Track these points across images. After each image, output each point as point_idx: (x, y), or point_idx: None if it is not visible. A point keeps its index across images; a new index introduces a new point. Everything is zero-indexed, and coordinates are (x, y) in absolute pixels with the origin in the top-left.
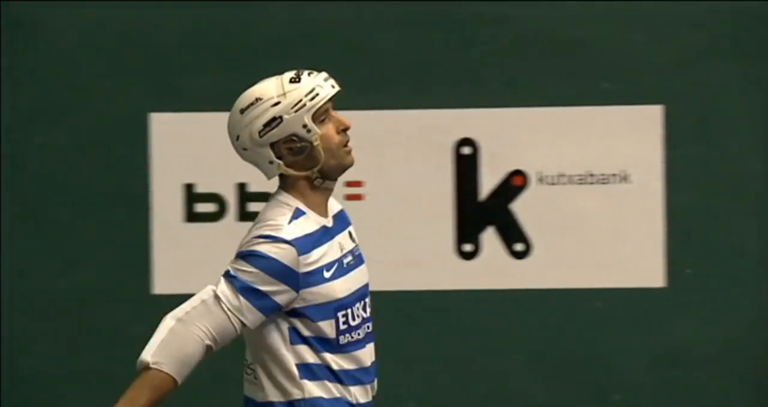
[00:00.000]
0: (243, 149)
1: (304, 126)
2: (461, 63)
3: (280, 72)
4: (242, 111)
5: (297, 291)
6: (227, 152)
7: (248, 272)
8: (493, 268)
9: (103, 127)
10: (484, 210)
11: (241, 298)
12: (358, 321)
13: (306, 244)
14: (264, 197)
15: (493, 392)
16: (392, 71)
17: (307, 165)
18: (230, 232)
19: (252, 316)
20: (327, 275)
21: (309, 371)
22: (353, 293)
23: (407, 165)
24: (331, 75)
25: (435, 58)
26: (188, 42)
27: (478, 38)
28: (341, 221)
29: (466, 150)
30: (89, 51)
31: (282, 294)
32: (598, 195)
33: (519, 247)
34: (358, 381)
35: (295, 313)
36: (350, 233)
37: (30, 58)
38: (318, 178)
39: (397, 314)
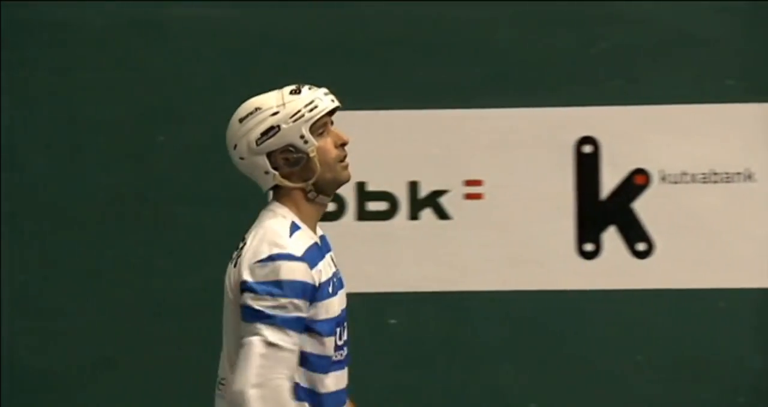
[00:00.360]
0: (240, 158)
1: (302, 137)
2: (583, 61)
3: (397, 70)
4: (241, 120)
5: (311, 304)
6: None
7: (281, 307)
8: (614, 268)
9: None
10: (606, 209)
11: (290, 331)
12: (341, 341)
13: (311, 257)
14: (384, 196)
15: (614, 392)
16: (513, 69)
17: (302, 177)
18: (349, 231)
19: (301, 340)
20: (329, 290)
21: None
22: (340, 314)
23: (528, 164)
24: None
25: (557, 56)
26: (309, 39)
27: (599, 36)
28: (325, 245)
29: (588, 149)
30: (218, 50)
31: (307, 311)
32: (721, 194)
33: (641, 247)
34: (340, 402)
35: (306, 329)
36: (332, 257)
37: (156, 58)
38: (312, 191)
39: (518, 314)
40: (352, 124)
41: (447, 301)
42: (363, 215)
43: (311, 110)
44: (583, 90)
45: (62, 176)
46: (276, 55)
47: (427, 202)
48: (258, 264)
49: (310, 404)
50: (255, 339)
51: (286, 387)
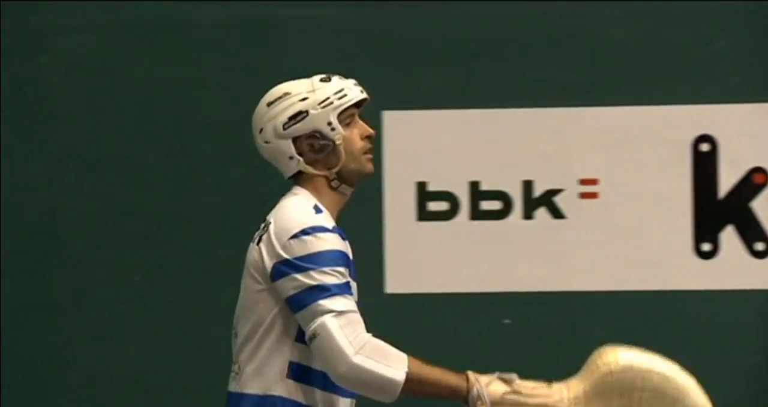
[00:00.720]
0: (265, 142)
1: (329, 123)
2: (699, 58)
3: (512, 68)
4: (269, 104)
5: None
6: (460, 150)
7: (329, 275)
8: (732, 268)
9: None
10: (723, 208)
11: (348, 296)
12: None
13: (340, 233)
14: (498, 195)
15: (732, 392)
16: (630, 67)
17: (326, 165)
18: (462, 231)
19: (354, 301)
20: (353, 273)
21: (301, 372)
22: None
23: (644, 163)
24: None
25: (674, 53)
26: (420, 39)
27: (716, 33)
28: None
29: (705, 147)
30: (322, 48)
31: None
32: None
33: (759, 246)
34: (352, 395)
35: None
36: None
37: (261, 55)
38: (335, 179)
39: (633, 315)
40: (468, 123)
41: (561, 301)
42: (476, 214)
43: (340, 98)
44: (700, 88)
45: (174, 176)
46: (386, 54)
47: (541, 201)
48: (293, 240)
49: (318, 387)
50: (325, 319)
51: (376, 339)
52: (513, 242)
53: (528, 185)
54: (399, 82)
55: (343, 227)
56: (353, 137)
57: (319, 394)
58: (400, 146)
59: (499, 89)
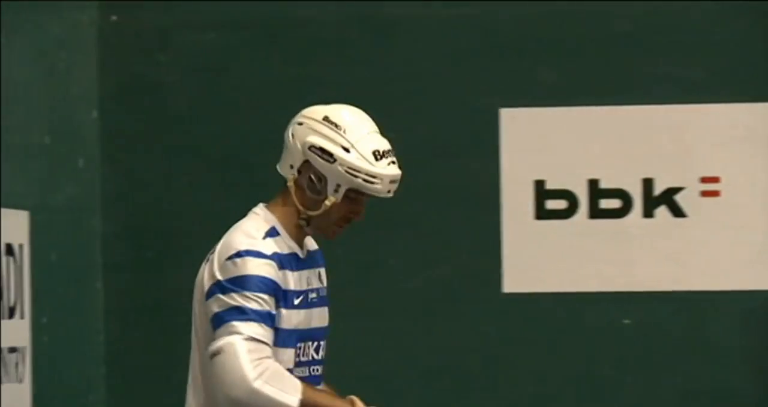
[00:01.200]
0: (290, 137)
1: (338, 185)
2: None
3: (631, 65)
4: (325, 119)
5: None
6: (578, 148)
7: (251, 301)
8: None
9: (453, 123)
10: None
11: (265, 326)
12: (306, 358)
13: (279, 261)
14: (618, 193)
15: None
16: (751, 63)
17: (305, 204)
18: (581, 230)
19: (271, 334)
20: (296, 302)
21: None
22: (310, 330)
23: (767, 160)
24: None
25: None
26: (538, 36)
27: None
28: (314, 259)
29: None
30: (438, 46)
31: (275, 309)
32: None
33: None
34: None
35: None
36: (320, 274)
37: (378, 53)
38: (303, 219)
39: (756, 315)
40: (587, 120)
41: (682, 301)
42: (595, 213)
43: (366, 181)
44: None
45: None
46: (504, 51)
47: (661, 199)
48: (228, 262)
49: None
50: (234, 339)
51: (276, 364)
52: (633, 241)
53: (648, 183)
54: (517, 79)
55: (318, 250)
56: (341, 209)
57: None
58: (518, 144)
59: (619, 86)
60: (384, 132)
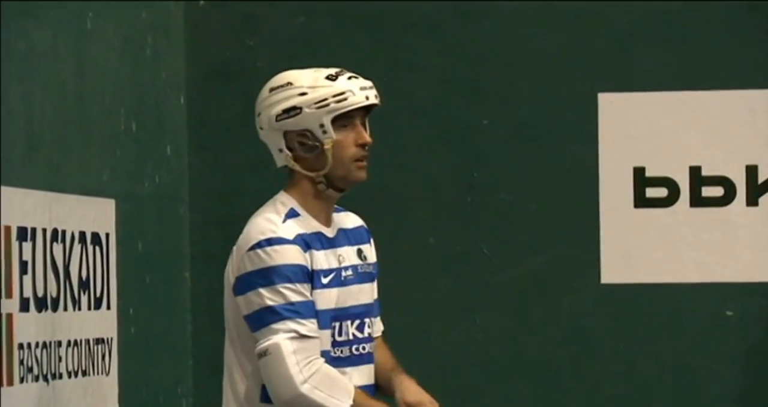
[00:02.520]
0: (260, 128)
1: (321, 125)
2: None
3: (733, 48)
4: (271, 90)
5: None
6: (679, 134)
7: (282, 295)
8: None
9: (550, 107)
10: None
11: (302, 320)
12: (345, 338)
13: (303, 243)
14: (720, 180)
15: None
16: None
17: (314, 166)
18: (682, 219)
19: (314, 324)
20: (324, 281)
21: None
22: (346, 308)
23: None
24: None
25: None
26: (636, 18)
27: None
28: (353, 236)
29: None
30: (534, 31)
31: (310, 293)
32: None
33: None
34: None
35: None
36: (360, 251)
37: (471, 39)
38: (322, 183)
39: None
40: (688, 105)
41: None
42: (697, 201)
43: (339, 101)
44: None
45: (382, 161)
46: (601, 35)
47: (766, 187)
48: (250, 253)
49: None
50: (279, 339)
51: (327, 366)
52: (736, 230)
53: (752, 170)
54: (615, 63)
55: (362, 226)
56: (346, 143)
57: None
58: (617, 130)
59: (720, 70)
60: (477, 118)
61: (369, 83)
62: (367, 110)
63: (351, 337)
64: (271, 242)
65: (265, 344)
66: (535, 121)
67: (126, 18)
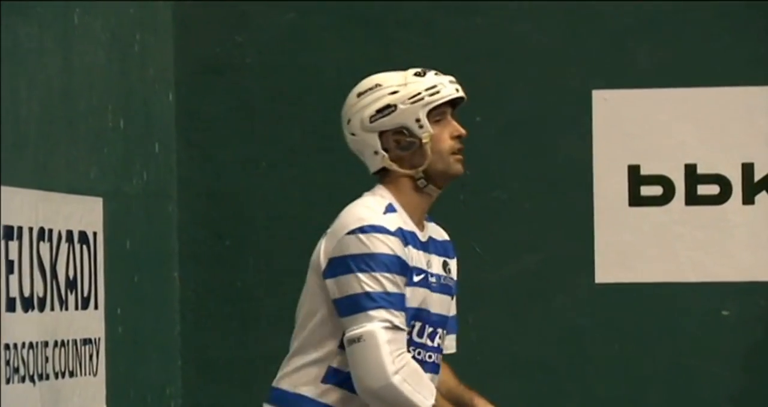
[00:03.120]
0: (351, 134)
1: (417, 120)
2: None
3: (729, 45)
4: (359, 95)
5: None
6: (674, 132)
7: (379, 283)
8: None
9: (543, 105)
10: None
11: (396, 311)
12: (422, 340)
13: (403, 237)
14: (716, 179)
15: None
16: None
17: (412, 163)
18: (678, 217)
19: (404, 318)
20: (415, 279)
21: (338, 377)
22: (429, 313)
23: None
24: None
25: None
26: (631, 14)
27: None
28: (441, 247)
29: None
30: (526, 27)
31: (404, 288)
32: None
33: None
34: None
35: None
36: (446, 263)
37: (464, 34)
38: (422, 179)
39: None
40: (684, 102)
41: None
42: (693, 199)
43: (432, 95)
44: None
45: None
46: (596, 31)
47: (762, 185)
48: (349, 236)
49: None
50: (375, 327)
51: (414, 361)
52: (732, 229)
53: (748, 168)
54: (609, 59)
55: (447, 241)
56: (442, 136)
57: (349, 397)
58: (611, 127)
59: (717, 66)
60: (470, 115)
61: (454, 78)
62: (454, 105)
63: (424, 342)
64: (373, 228)
65: (359, 330)
66: (528, 118)
67: (113, 14)
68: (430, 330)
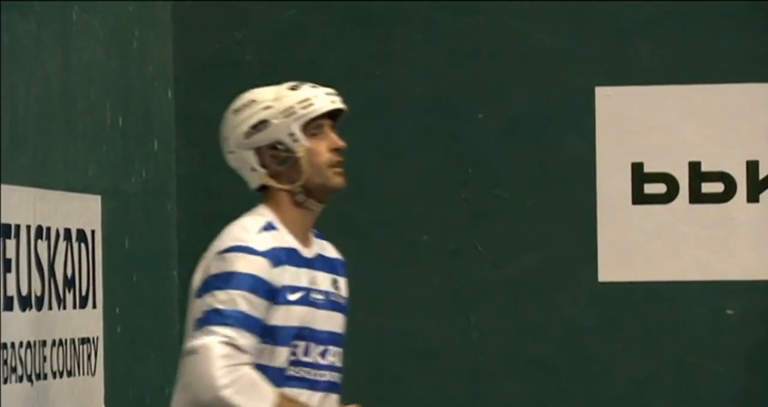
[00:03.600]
0: (229, 152)
1: (291, 134)
2: None
3: (733, 41)
4: (235, 112)
5: (269, 305)
6: (678, 129)
7: (232, 301)
8: None
9: (546, 102)
10: None
11: (245, 333)
12: (310, 359)
13: (274, 257)
14: (720, 176)
15: None
16: None
17: (290, 178)
18: (682, 215)
19: (253, 341)
20: (291, 297)
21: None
22: (314, 331)
23: None
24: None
25: None
26: (634, 10)
27: None
28: (329, 265)
29: None
30: (528, 24)
31: (264, 311)
32: None
33: None
34: (315, 387)
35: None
36: (335, 280)
37: (463, 31)
38: (301, 194)
39: None
40: (688, 99)
41: None
42: (697, 197)
43: (305, 108)
44: None
45: (372, 157)
46: (598, 27)
47: (767, 183)
48: (217, 256)
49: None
50: (211, 341)
51: (253, 372)
52: (736, 227)
53: (753, 166)
54: (612, 57)
55: (338, 260)
56: (319, 149)
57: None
58: (615, 125)
59: (721, 63)
60: (472, 112)
61: (333, 90)
62: (334, 118)
63: (313, 361)
64: (239, 249)
65: (195, 343)
66: (530, 115)
67: (112, 11)
68: (320, 348)
